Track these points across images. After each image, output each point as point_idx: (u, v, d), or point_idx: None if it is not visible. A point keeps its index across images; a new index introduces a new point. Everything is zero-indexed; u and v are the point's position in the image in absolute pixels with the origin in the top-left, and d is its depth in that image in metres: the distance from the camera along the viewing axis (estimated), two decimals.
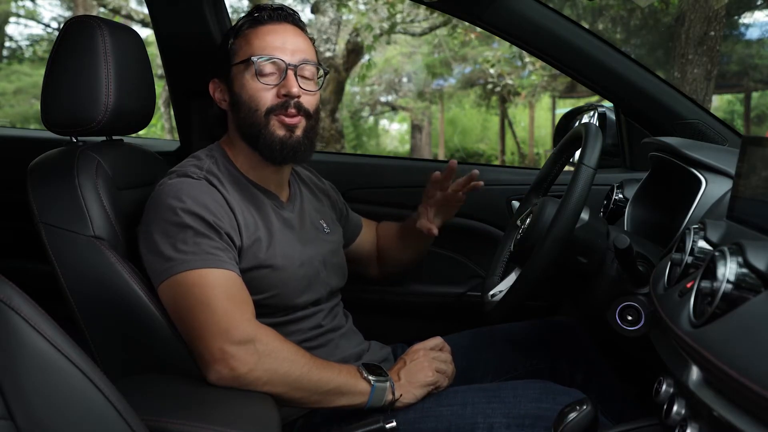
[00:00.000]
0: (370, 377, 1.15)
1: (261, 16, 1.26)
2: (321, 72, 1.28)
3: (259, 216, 1.23)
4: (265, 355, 1.07)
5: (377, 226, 1.62)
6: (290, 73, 1.22)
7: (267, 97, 1.22)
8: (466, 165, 2.49)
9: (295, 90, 1.21)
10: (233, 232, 1.17)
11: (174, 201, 1.14)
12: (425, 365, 1.22)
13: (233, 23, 1.37)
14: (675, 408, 0.79)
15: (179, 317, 1.11)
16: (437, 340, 1.31)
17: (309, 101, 1.25)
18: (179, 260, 1.10)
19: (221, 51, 1.29)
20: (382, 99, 13.55)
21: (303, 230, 1.32)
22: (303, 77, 1.24)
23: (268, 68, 1.22)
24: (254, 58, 1.21)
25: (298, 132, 1.24)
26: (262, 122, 1.22)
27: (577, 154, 1.18)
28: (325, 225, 1.39)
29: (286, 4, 1.35)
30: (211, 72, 1.31)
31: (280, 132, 1.22)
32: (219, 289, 1.09)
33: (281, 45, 1.23)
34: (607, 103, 1.80)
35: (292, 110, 1.22)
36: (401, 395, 1.18)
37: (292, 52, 1.23)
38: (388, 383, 1.16)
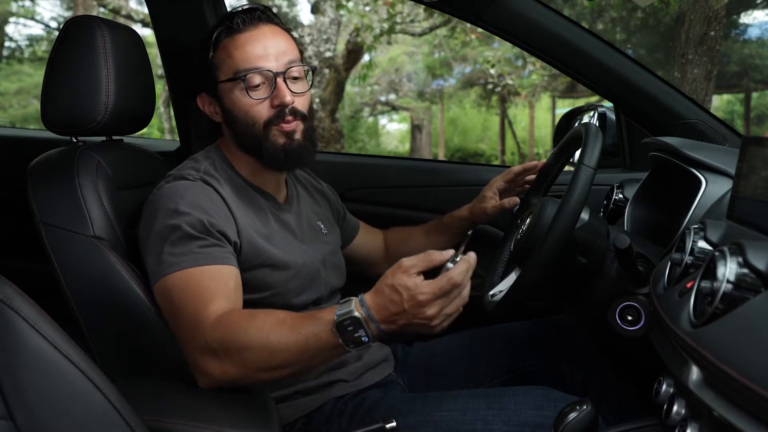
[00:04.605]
0: (350, 348, 0.98)
1: (235, 22, 1.21)
2: (310, 70, 1.26)
3: (257, 217, 1.23)
4: (226, 354, 1.01)
5: (386, 233, 1.61)
6: (279, 81, 1.20)
7: (261, 110, 1.20)
8: (466, 165, 2.49)
9: (288, 99, 1.19)
10: (229, 229, 1.16)
11: (169, 203, 1.14)
12: (432, 325, 0.98)
13: None
14: (675, 408, 0.79)
15: (168, 320, 1.12)
16: (453, 280, 0.95)
17: (302, 102, 1.24)
18: (168, 263, 1.10)
19: (203, 65, 1.25)
20: (383, 99, 13.57)
21: (301, 231, 1.32)
22: (292, 79, 1.22)
23: (257, 81, 1.19)
24: (241, 75, 1.19)
25: (298, 136, 1.23)
26: (261, 135, 1.21)
27: (577, 154, 1.18)
28: (322, 226, 1.39)
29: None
30: (197, 86, 1.28)
31: (281, 140, 1.22)
32: (190, 290, 1.07)
33: (263, 52, 1.20)
34: (607, 103, 1.80)
35: (289, 117, 1.21)
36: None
37: (276, 57, 1.20)
38: (369, 344, 1.00)
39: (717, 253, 0.74)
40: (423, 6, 3.38)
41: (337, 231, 1.46)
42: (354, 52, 7.99)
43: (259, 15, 1.23)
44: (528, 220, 1.24)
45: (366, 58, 8.51)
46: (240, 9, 1.24)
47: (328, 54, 7.43)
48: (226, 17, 1.23)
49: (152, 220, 1.14)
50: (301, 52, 1.28)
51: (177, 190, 1.16)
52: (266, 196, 1.28)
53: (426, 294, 0.94)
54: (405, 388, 1.38)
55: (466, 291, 0.98)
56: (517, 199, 1.46)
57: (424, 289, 0.95)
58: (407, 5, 7.68)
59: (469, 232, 1.07)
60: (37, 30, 13.08)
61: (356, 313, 0.96)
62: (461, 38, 9.55)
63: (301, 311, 1.25)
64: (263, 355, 1.00)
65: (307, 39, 7.40)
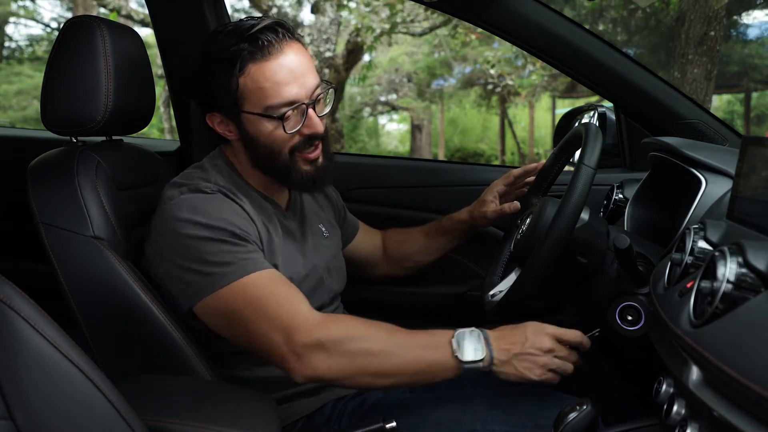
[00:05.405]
0: (464, 359, 1.06)
1: (261, 45, 1.13)
2: (331, 92, 1.24)
3: (269, 227, 1.23)
4: (338, 353, 1.05)
5: (385, 234, 1.61)
6: (311, 112, 1.17)
7: (289, 140, 1.18)
8: (466, 165, 2.49)
9: (320, 128, 1.19)
10: (257, 239, 1.16)
11: (194, 216, 1.11)
12: (540, 362, 1.09)
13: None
14: (675, 408, 0.79)
15: (234, 329, 1.11)
16: (576, 336, 1.12)
17: (323, 124, 1.22)
18: (220, 274, 1.09)
19: (216, 85, 1.16)
20: (383, 99, 13.57)
21: (304, 238, 1.31)
22: (317, 102, 1.21)
23: (287, 113, 1.16)
24: (277, 113, 1.14)
25: (320, 160, 1.23)
26: (287, 161, 1.20)
27: (577, 154, 1.18)
28: (324, 229, 1.38)
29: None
30: (204, 105, 1.22)
31: (307, 167, 1.22)
32: (267, 291, 1.08)
33: (291, 79, 1.14)
34: (607, 103, 1.80)
35: (316, 142, 1.21)
36: (498, 371, 1.09)
37: (304, 84, 1.16)
38: (480, 364, 1.08)
39: (717, 253, 0.74)
40: (423, 6, 3.38)
41: (338, 232, 1.45)
42: (354, 52, 7.98)
43: (282, 34, 1.15)
44: (528, 221, 1.24)
45: (366, 58, 8.51)
46: (261, 27, 1.14)
47: (328, 54, 7.42)
48: (246, 37, 1.13)
49: (174, 234, 1.12)
50: (319, 72, 1.26)
51: (197, 203, 1.14)
52: (273, 203, 1.28)
53: (552, 329, 1.10)
54: (405, 389, 1.38)
55: (572, 360, 1.12)
56: (517, 204, 1.46)
57: (551, 327, 1.11)
58: (407, 5, 7.68)
59: (596, 333, 1.16)
60: (37, 30, 13.09)
61: (475, 329, 1.08)
62: (461, 38, 9.54)
63: None
64: (380, 357, 1.06)
65: (307, 39, 7.40)
